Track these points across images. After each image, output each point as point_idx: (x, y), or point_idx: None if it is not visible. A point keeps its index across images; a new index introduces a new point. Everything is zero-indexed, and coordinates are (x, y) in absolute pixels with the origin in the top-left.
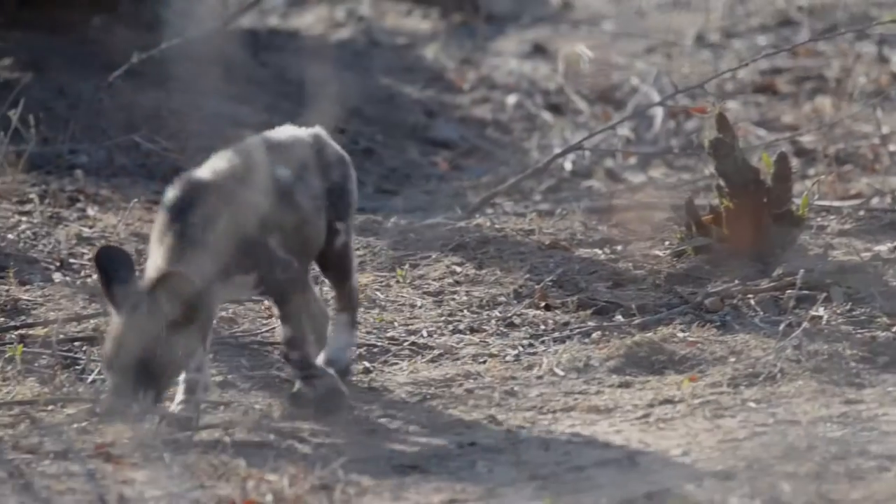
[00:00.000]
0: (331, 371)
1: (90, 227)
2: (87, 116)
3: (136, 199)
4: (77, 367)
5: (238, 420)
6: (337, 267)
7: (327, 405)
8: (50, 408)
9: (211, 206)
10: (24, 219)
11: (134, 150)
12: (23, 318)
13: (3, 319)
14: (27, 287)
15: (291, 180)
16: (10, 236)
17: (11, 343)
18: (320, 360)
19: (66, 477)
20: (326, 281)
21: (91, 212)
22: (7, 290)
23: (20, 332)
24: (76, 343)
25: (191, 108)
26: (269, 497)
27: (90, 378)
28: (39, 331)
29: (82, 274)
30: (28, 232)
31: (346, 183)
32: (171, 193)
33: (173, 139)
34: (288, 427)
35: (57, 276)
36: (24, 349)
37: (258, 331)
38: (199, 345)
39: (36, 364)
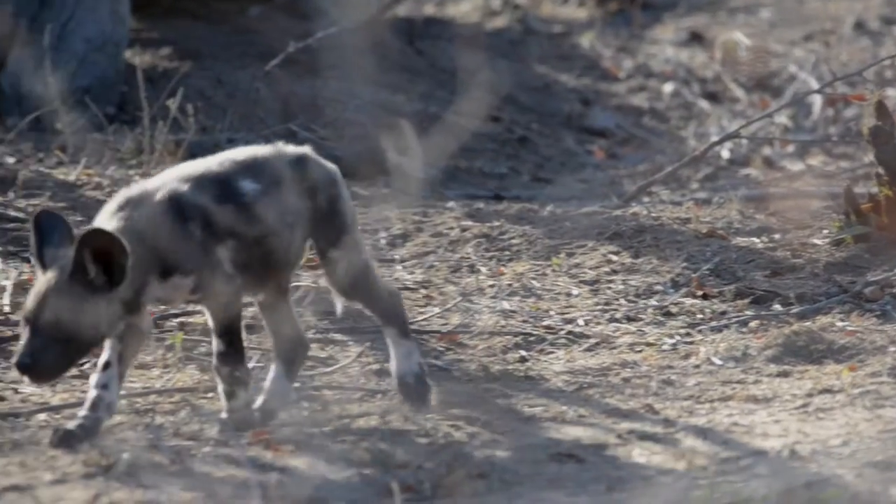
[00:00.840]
0: (250, 401)
1: None
2: (245, 105)
3: None
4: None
5: (394, 408)
6: (354, 293)
7: (231, 424)
8: (210, 395)
9: (162, 204)
10: None
11: (290, 138)
12: (182, 306)
13: (163, 308)
14: None
15: (257, 194)
16: None
17: (172, 331)
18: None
19: (225, 463)
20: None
21: None
22: None
23: (180, 319)
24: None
25: (346, 96)
26: (427, 485)
27: (250, 365)
28: (199, 319)
29: None
30: None
31: (336, 204)
32: (125, 189)
33: (329, 127)
34: (443, 415)
35: None
36: (184, 337)
37: (414, 319)
38: (119, 317)
39: (195, 352)
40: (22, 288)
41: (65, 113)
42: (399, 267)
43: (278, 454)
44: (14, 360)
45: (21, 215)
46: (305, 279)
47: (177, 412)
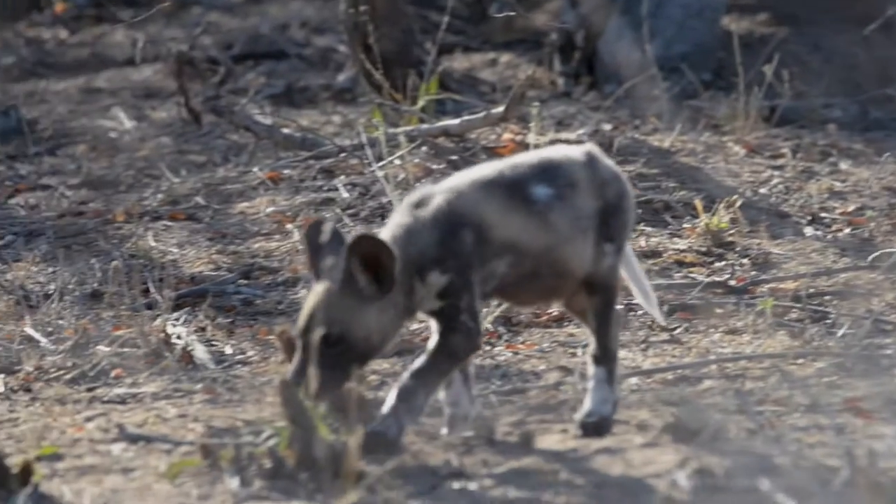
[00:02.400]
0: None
1: (842, 182)
2: (841, 70)
3: (888, 154)
4: (826, 321)
5: None
6: (600, 291)
7: (374, 445)
8: (800, 361)
9: (448, 206)
10: (776, 173)
11: (888, 103)
12: (773, 271)
13: (754, 273)
14: (778, 241)
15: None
16: (762, 190)
17: (762, 296)
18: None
19: (815, 430)
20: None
21: (843, 166)
22: (758, 244)
23: (771, 285)
24: (826, 297)
25: None
26: None
27: (840, 332)
28: (790, 285)
29: (833, 228)
30: (780, 186)
31: (621, 202)
32: (416, 192)
33: None
34: None
35: (808, 231)
36: (775, 303)
37: None
38: (395, 325)
39: (786, 318)
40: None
41: (660, 80)
42: None
43: (869, 422)
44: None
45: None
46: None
47: (766, 378)
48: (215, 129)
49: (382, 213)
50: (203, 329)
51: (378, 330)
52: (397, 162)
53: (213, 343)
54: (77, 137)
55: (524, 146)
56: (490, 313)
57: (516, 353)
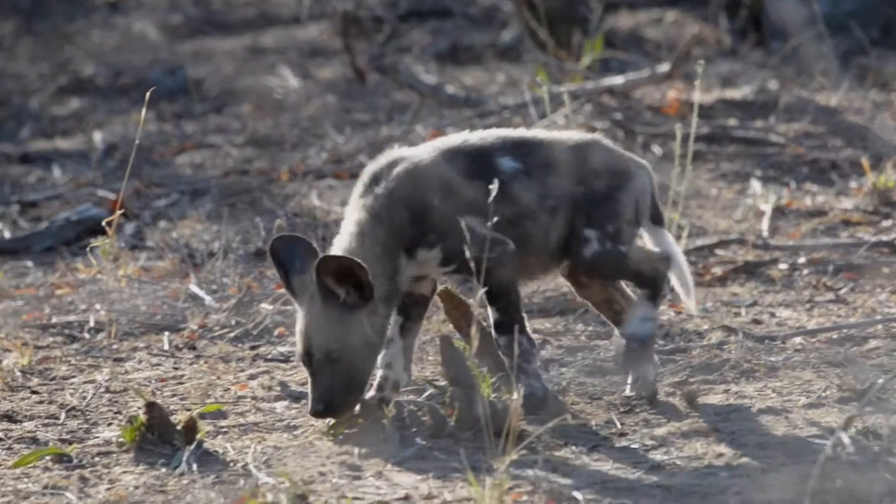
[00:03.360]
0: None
1: None
2: None
3: None
4: None
5: None
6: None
7: (530, 405)
8: None
9: (400, 180)
10: None
11: None
12: None
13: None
14: None
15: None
16: None
17: None
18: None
19: None
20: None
21: None
22: None
23: None
24: None
25: None
26: None
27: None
28: None
29: None
30: None
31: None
32: (368, 167)
33: None
34: None
35: None
36: None
37: None
38: (385, 319)
39: None
40: (781, 213)
41: (827, 37)
42: None
43: None
44: (308, 410)
45: (781, 140)
46: None
47: None
48: (380, 87)
49: None
50: None
51: (375, 332)
52: (561, 120)
53: None
54: (242, 96)
55: (689, 105)
56: None
57: (679, 313)
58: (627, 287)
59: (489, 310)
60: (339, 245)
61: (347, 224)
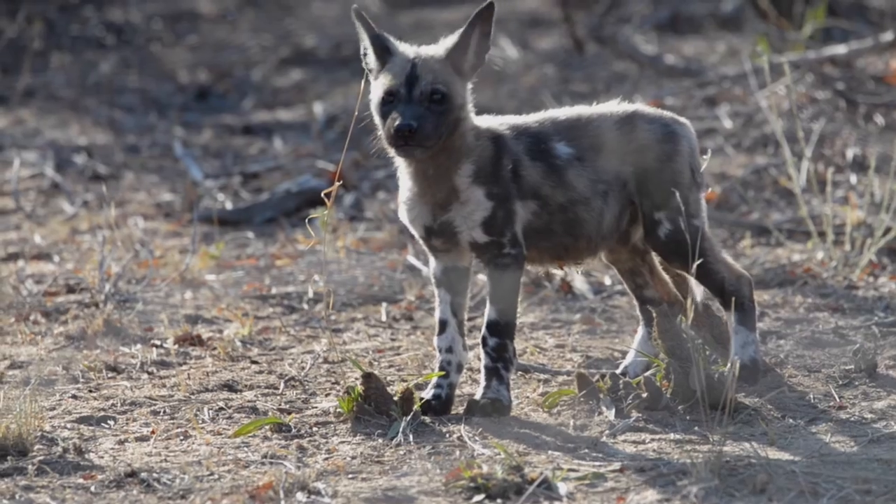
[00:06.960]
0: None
1: None
2: None
3: None
4: None
5: None
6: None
7: (486, 411)
8: None
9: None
10: None
11: None
12: None
13: None
14: None
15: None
16: None
17: None
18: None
19: None
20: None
21: None
22: None
23: None
24: None
25: None
26: None
27: None
28: None
29: None
30: None
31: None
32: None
33: None
34: None
35: None
36: None
37: None
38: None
39: None
40: None
41: None
42: None
43: None
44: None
45: None
46: None
47: None
48: (598, 58)
49: (765, 142)
50: None
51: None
52: (781, 90)
53: (592, 273)
54: None
55: None
56: (874, 244)
57: None
58: (661, 266)
59: (487, 308)
60: None
61: None
